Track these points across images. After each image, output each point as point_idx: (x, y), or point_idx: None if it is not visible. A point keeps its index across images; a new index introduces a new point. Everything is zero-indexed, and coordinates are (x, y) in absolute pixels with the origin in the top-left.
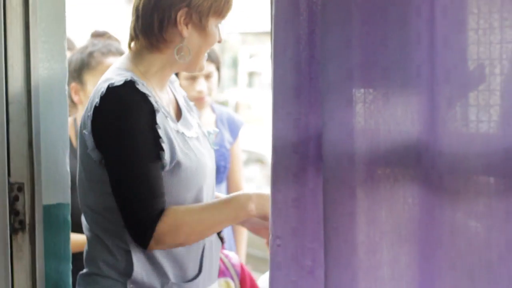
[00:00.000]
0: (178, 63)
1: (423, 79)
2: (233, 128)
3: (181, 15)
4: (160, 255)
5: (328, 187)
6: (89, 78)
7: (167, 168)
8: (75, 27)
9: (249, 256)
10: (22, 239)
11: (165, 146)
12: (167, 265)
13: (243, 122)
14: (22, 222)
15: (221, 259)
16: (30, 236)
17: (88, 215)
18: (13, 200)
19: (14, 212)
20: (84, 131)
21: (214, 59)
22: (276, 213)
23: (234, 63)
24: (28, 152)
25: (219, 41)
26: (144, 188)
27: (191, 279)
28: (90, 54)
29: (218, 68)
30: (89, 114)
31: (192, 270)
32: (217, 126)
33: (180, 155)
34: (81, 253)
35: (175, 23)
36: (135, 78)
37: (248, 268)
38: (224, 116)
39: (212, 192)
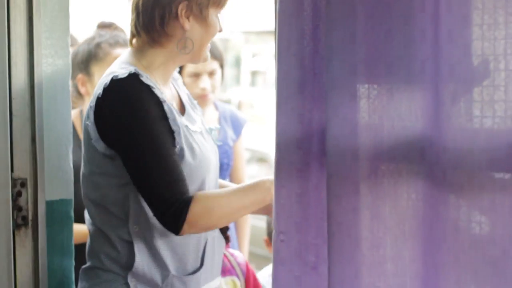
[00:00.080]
0: (182, 56)
1: (428, 74)
2: (236, 126)
3: (181, 8)
4: (161, 247)
5: (332, 183)
6: (96, 70)
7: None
8: (77, 23)
9: (251, 254)
10: (25, 235)
11: (175, 134)
12: (168, 258)
13: (246, 119)
14: (25, 218)
15: (227, 258)
16: (33, 232)
17: (91, 209)
18: (16, 196)
19: (17, 207)
20: (87, 122)
21: (217, 57)
22: (280, 208)
23: (237, 62)
24: (31, 148)
25: (220, 31)
26: (170, 172)
27: (191, 272)
28: (98, 45)
29: (221, 66)
30: (91, 105)
31: (192, 264)
32: (220, 124)
33: (185, 147)
34: (85, 245)
35: (176, 17)
36: (139, 71)
37: (251, 267)
38: (227, 113)
39: (215, 188)
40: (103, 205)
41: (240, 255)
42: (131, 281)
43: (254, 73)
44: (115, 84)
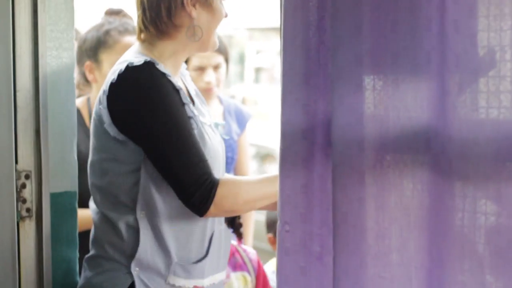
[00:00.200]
0: (191, 45)
1: (433, 65)
2: (241, 120)
3: None
4: (166, 234)
5: (337, 173)
6: (105, 57)
7: None
8: (82, 16)
9: (255, 249)
10: (29, 227)
11: (192, 121)
12: (172, 245)
13: (251, 114)
14: (29, 210)
15: (239, 253)
16: (37, 224)
17: (97, 196)
18: (21, 188)
19: (21, 199)
20: (100, 106)
21: (222, 51)
22: (285, 199)
23: (241, 59)
24: (36, 140)
25: (226, 16)
26: (195, 154)
27: (195, 261)
28: (107, 33)
29: (226, 60)
30: (105, 89)
31: (196, 253)
32: (224, 118)
33: (197, 136)
34: (88, 233)
35: (182, 6)
36: (155, 60)
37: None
38: (232, 107)
39: None
40: (110, 191)
41: (252, 252)
42: (134, 270)
43: (258, 70)
44: (131, 71)
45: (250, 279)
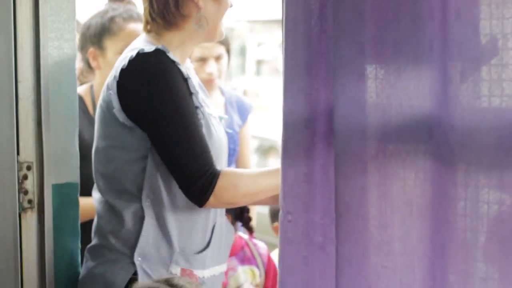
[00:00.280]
0: (198, 35)
1: (435, 53)
2: (243, 111)
3: None
4: (170, 223)
5: (339, 162)
6: (109, 44)
7: None
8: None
9: None
10: (31, 218)
11: (199, 110)
12: (175, 235)
13: (252, 105)
14: (31, 201)
15: (249, 247)
16: (38, 215)
17: (101, 183)
18: (22, 179)
19: (23, 191)
20: (110, 91)
21: (224, 41)
22: (287, 188)
23: (242, 51)
24: (37, 131)
25: (231, 6)
26: (199, 144)
27: (197, 252)
28: (112, 19)
29: (228, 51)
30: (116, 74)
31: (198, 244)
32: (226, 109)
33: (204, 127)
34: (90, 223)
35: None
36: (165, 48)
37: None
38: (233, 99)
39: None
40: (115, 179)
41: (263, 246)
42: (136, 260)
43: (259, 62)
44: (142, 57)
45: (258, 273)
